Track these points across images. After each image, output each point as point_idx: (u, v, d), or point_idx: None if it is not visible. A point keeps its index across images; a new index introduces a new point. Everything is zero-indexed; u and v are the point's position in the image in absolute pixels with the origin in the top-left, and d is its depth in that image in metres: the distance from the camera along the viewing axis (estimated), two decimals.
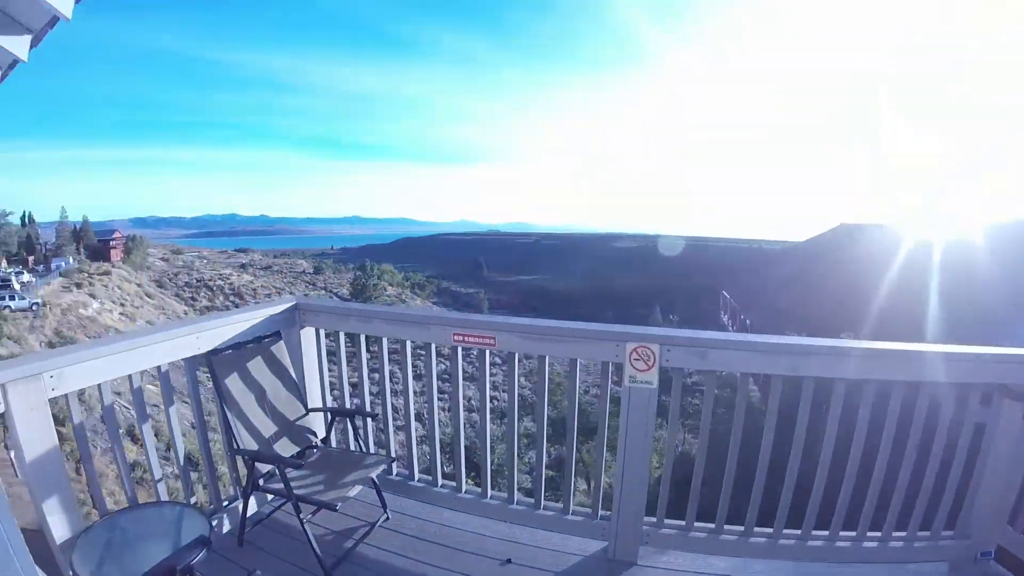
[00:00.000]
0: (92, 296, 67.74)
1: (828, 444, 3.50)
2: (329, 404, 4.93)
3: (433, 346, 4.33)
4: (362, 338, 4.63)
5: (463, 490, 4.49)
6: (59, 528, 2.89)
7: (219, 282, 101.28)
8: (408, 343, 4.39)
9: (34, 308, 54.63)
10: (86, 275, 75.32)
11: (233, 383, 3.89)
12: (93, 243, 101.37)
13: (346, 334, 4.73)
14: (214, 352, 3.88)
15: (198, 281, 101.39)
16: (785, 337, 3.45)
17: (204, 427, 4.09)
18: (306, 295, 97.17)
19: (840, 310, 34.58)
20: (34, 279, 71.48)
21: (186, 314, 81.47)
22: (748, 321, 50.56)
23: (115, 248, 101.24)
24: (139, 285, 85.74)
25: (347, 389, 4.86)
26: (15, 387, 2.75)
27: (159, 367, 3.68)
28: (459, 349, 4.23)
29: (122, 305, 71.40)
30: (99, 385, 3.26)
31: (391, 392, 4.62)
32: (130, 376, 3.45)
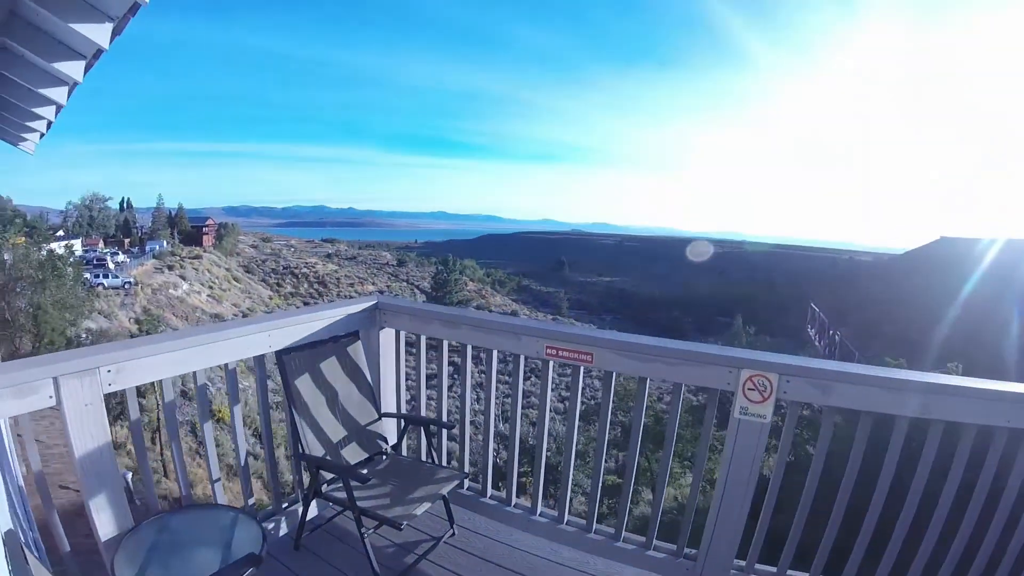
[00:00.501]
0: (182, 278, 70.31)
1: (946, 499, 2.98)
2: (404, 410, 4.71)
3: (523, 358, 4.00)
4: (444, 344, 4.33)
5: (538, 512, 4.16)
6: (106, 526, 2.75)
7: (304, 270, 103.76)
8: (495, 352, 4.11)
9: (126, 287, 57.03)
10: (178, 258, 78.50)
11: (304, 384, 3.72)
12: (187, 228, 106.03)
13: (428, 338, 4.49)
14: (286, 351, 3.70)
15: (284, 268, 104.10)
16: (932, 375, 2.91)
17: (270, 427, 3.94)
18: (386, 289, 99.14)
19: (945, 334, 32.29)
20: (128, 260, 75.25)
21: (271, 299, 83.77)
22: (838, 337, 48.43)
23: (207, 234, 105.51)
24: (228, 270, 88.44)
25: (424, 396, 4.64)
26: (68, 381, 2.59)
27: (225, 364, 3.51)
28: (551, 363, 3.88)
29: (210, 288, 73.80)
30: (160, 381, 3.11)
31: (472, 402, 4.37)
32: (194, 373, 3.30)
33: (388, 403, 4.59)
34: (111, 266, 64.54)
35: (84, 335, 32.73)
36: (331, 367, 3.97)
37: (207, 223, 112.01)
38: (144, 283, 61.54)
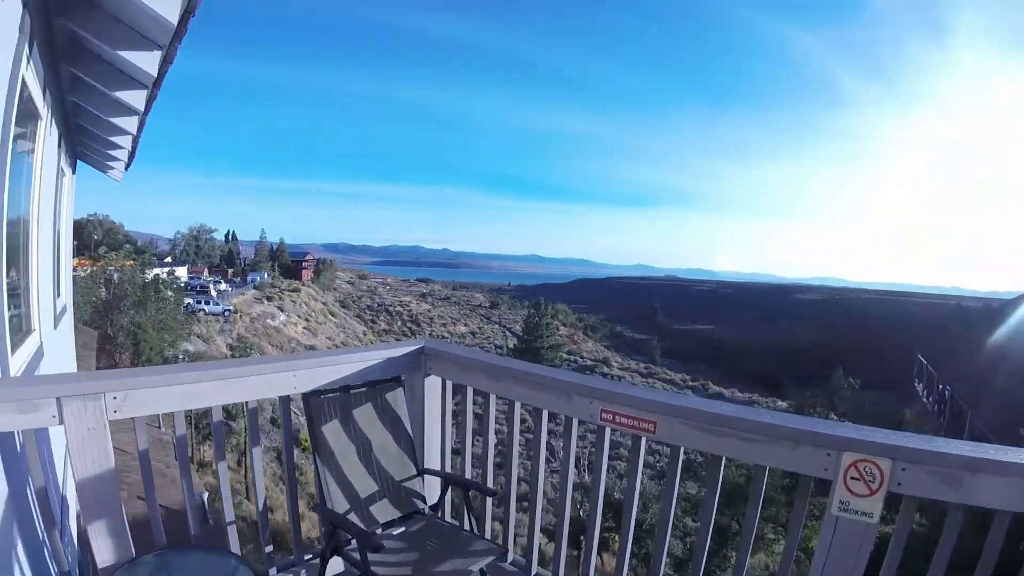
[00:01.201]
0: (280, 309, 72.75)
1: None
2: (447, 468, 4.32)
3: (575, 421, 3.48)
4: (492, 398, 3.92)
5: None
6: (103, 553, 2.67)
7: (399, 308, 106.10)
8: (544, 413, 3.63)
9: (226, 314, 59.61)
10: (278, 290, 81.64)
11: (332, 431, 3.43)
12: (287, 262, 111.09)
13: (475, 390, 4.01)
14: (314, 394, 3.44)
15: (379, 305, 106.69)
16: None
17: (293, 472, 3.71)
18: (477, 331, 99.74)
19: None
20: (230, 289, 78.91)
21: (364, 335, 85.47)
22: (948, 392, 45.12)
23: (306, 268, 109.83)
24: (324, 304, 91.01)
25: (469, 455, 4.21)
26: (71, 403, 2.55)
27: (246, 403, 3.36)
28: (607, 429, 3.29)
29: (306, 320, 76.02)
30: (172, 414, 3.04)
31: (518, 467, 3.95)
32: (211, 409, 3.19)
33: (431, 458, 4.21)
34: (213, 293, 67.90)
35: (181, 356, 34.03)
36: (366, 414, 3.64)
37: (307, 258, 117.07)
38: (243, 311, 64.12)
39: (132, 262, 37.53)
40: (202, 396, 3.08)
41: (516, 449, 3.88)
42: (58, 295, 6.83)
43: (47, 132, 4.69)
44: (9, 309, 3.33)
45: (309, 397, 3.41)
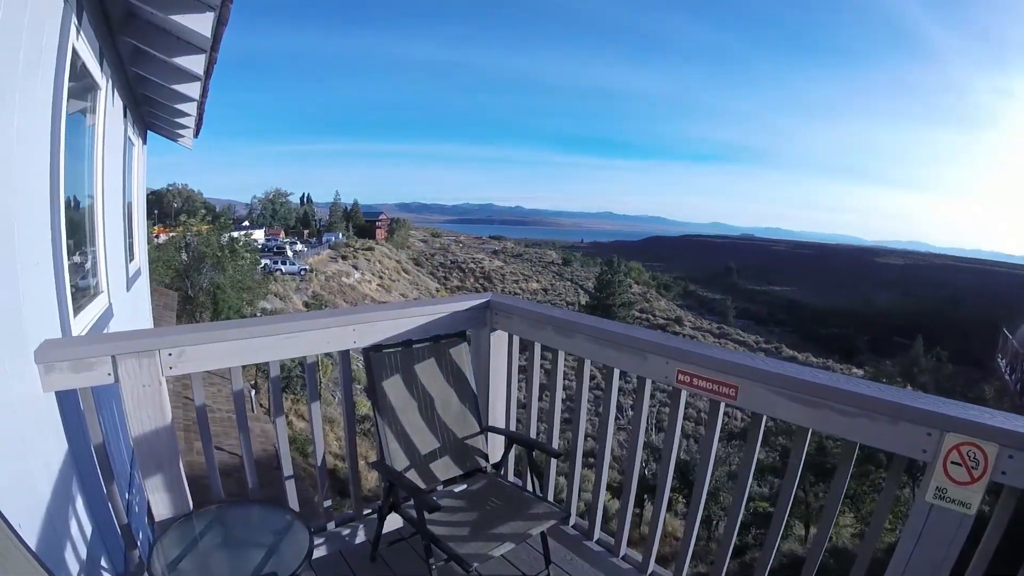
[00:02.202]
0: (355, 267, 74.05)
1: None
2: (512, 426, 4.26)
3: (648, 382, 3.29)
4: (560, 355, 3.77)
5: (649, 572, 3.42)
6: (159, 506, 2.78)
7: (471, 265, 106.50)
8: (615, 371, 3.43)
9: (302, 273, 61.12)
10: (352, 249, 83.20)
11: (393, 387, 3.42)
12: (361, 222, 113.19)
13: (543, 346, 3.86)
14: (375, 348, 3.40)
15: (452, 263, 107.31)
16: None
17: (353, 428, 3.74)
18: (550, 287, 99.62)
19: None
20: (306, 249, 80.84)
21: (437, 291, 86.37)
22: None
23: (380, 228, 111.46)
24: (398, 262, 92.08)
25: (535, 412, 4.09)
26: (126, 360, 2.63)
27: (304, 358, 3.35)
28: (683, 392, 3.09)
29: (380, 277, 77.20)
30: (229, 369, 3.07)
31: (585, 427, 3.87)
32: (268, 364, 3.20)
33: (495, 416, 4.17)
34: (290, 254, 69.52)
35: (258, 314, 35.00)
36: (429, 370, 3.60)
37: (380, 218, 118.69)
38: (319, 270, 65.53)
39: (209, 226, 38.58)
40: (259, 351, 3.09)
41: (584, 408, 3.77)
42: (131, 259, 7.08)
43: (109, 103, 4.82)
44: (72, 275, 3.47)
45: (369, 352, 3.39)
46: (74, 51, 3.17)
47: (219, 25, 3.86)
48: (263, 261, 51.65)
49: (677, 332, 68.95)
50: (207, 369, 2.97)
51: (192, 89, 5.61)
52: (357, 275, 72.27)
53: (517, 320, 3.94)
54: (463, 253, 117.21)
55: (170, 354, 2.76)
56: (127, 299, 6.29)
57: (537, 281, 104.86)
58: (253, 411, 12.15)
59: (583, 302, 79.54)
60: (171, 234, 41.20)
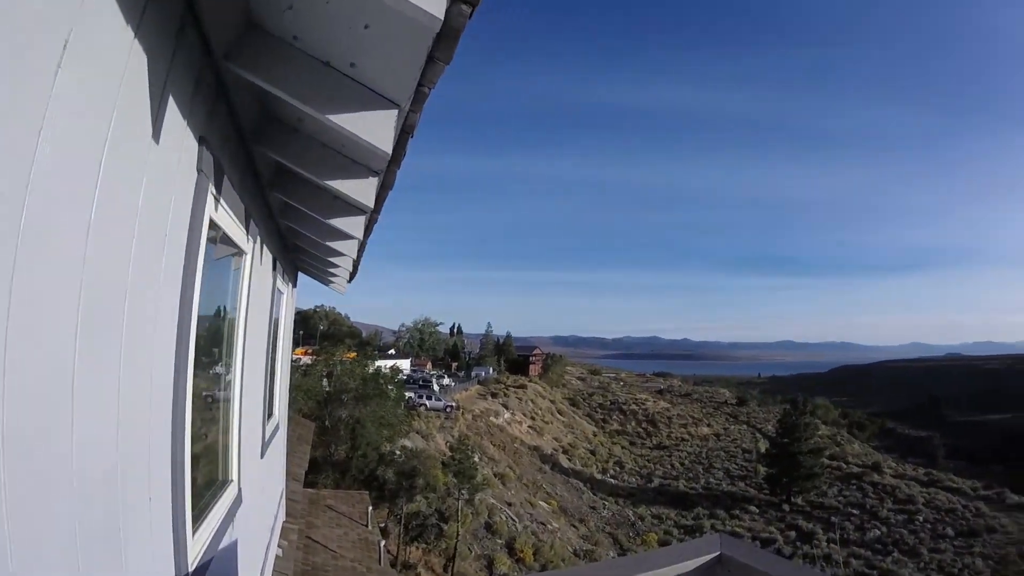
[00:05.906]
0: (505, 407, 74.24)
1: None
2: None
3: None
4: None
5: None
6: None
7: (633, 406, 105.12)
8: None
9: (447, 410, 61.43)
10: (503, 386, 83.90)
11: None
12: (513, 356, 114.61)
13: None
14: None
15: (612, 403, 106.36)
16: None
17: None
18: (723, 432, 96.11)
19: None
20: (453, 383, 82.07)
21: (594, 436, 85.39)
22: None
23: (534, 363, 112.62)
24: (552, 402, 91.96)
25: None
26: None
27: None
28: None
29: (532, 419, 77.00)
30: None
31: None
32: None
33: None
34: (436, 388, 70.35)
35: (398, 452, 35.23)
36: None
37: (534, 352, 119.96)
38: (466, 408, 65.95)
39: (354, 354, 39.72)
40: None
41: None
42: (269, 417, 6.94)
43: (256, 262, 4.71)
44: (196, 472, 3.20)
45: None
46: (209, 222, 2.97)
47: (382, 189, 3.64)
48: (407, 395, 52.48)
49: (875, 482, 63.96)
50: None
51: (349, 247, 5.47)
52: (507, 415, 72.29)
53: None
54: (624, 392, 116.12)
55: None
56: (261, 467, 6.08)
57: (708, 425, 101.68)
58: (380, 563, 11.76)
59: (763, 449, 76.04)
60: (315, 358, 42.51)
